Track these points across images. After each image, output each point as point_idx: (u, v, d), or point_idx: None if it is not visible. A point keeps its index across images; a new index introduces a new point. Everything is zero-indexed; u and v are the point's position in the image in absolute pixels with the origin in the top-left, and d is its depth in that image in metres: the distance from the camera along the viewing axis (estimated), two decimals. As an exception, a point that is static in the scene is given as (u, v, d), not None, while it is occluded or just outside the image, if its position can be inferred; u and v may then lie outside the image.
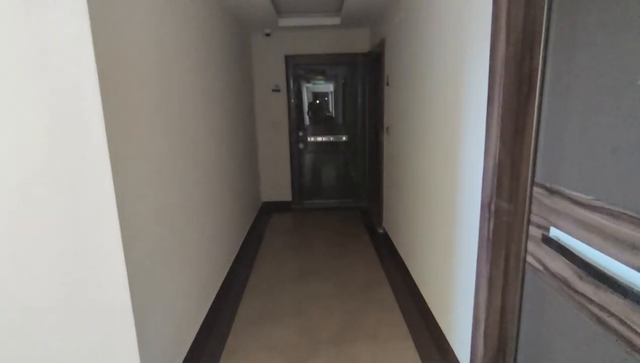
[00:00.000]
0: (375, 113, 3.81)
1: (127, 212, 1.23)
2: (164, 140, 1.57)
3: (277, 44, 3.98)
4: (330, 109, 4.65)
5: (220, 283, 2.38)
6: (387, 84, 3.06)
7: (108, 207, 1.16)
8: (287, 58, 4.01)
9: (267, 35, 3.91)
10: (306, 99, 4.50)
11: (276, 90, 4.08)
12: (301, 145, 4.30)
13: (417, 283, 2.27)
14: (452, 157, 1.65)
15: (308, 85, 4.63)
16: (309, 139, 4.31)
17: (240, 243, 3.09)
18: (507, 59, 1.14)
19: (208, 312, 2.09)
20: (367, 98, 4.06)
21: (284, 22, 3.53)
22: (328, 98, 4.71)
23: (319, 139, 4.31)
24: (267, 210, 4.26)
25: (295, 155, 4.24)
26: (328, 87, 4.67)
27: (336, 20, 3.53)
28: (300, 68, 4.20)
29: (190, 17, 2.03)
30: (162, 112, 1.57)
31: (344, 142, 4.33)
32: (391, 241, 3.10)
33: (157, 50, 1.54)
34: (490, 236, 1.27)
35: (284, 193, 4.33)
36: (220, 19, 2.74)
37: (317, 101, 4.55)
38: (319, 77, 4.61)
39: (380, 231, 3.50)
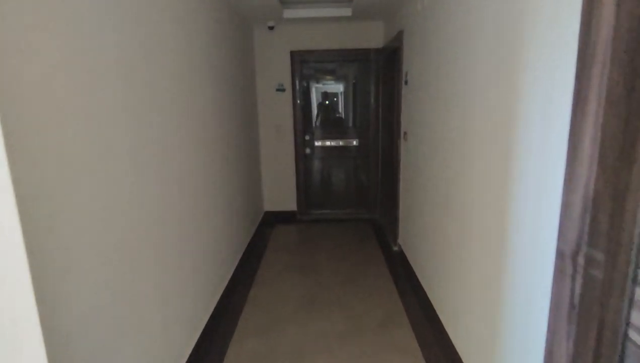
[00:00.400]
0: (391, 116, 3.41)
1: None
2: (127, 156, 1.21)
3: (282, 38, 3.61)
4: (340, 110, 4.27)
5: (207, 317, 2.01)
6: (406, 83, 2.66)
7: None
8: (293, 54, 3.63)
9: (271, 28, 3.54)
10: (314, 100, 4.13)
11: (280, 89, 3.70)
12: (308, 150, 3.92)
13: (446, 327, 1.86)
14: (502, 180, 1.24)
15: (317, 85, 4.26)
16: (316, 143, 3.92)
17: (236, 264, 2.72)
18: (615, 36, 0.74)
19: (191, 352, 1.72)
20: (381, 99, 3.66)
21: (289, 13, 3.16)
22: (337, 99, 4.33)
23: (328, 143, 3.93)
24: (270, 222, 3.89)
25: (302, 161, 3.86)
26: (338, 87, 4.29)
27: (347, 12, 3.14)
28: (307, 66, 3.82)
29: (178, 8, 1.66)
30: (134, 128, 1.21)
31: (355, 147, 3.94)
32: (408, 261, 2.69)
33: (118, 51, 1.17)
34: (576, 301, 0.87)
35: (289, 203, 3.96)
36: (216, 11, 2.38)
37: (327, 102, 4.17)
38: (328, 77, 4.23)
39: (396, 249, 3.09)
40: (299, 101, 3.73)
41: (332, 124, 4.02)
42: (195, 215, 1.90)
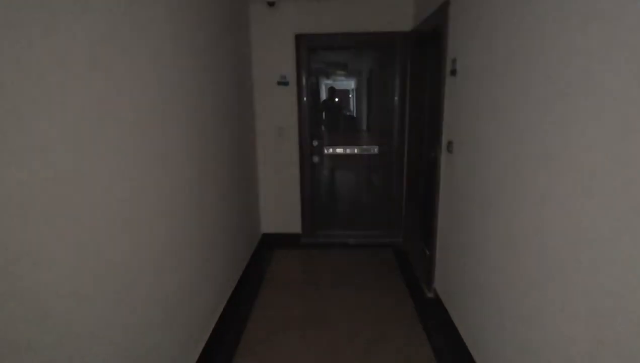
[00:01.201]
0: (423, 117, 2.66)
1: None
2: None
3: (285, 18, 2.87)
4: (352, 109, 3.53)
5: None
6: (453, 74, 1.91)
7: None
8: (299, 38, 2.90)
9: (271, 4, 2.81)
10: (324, 95, 3.39)
11: (283, 83, 2.97)
12: (316, 159, 3.19)
13: None
14: None
15: (327, 81, 3.52)
16: (326, 150, 3.19)
17: (219, 313, 2.01)
18: None
19: None
20: (410, 96, 2.90)
21: (294, -17, 2.43)
22: (350, 96, 3.59)
23: (340, 150, 3.19)
24: (268, 246, 3.17)
25: (308, 172, 3.13)
26: (349, 83, 3.54)
27: (370, -19, 2.40)
28: (316, 55, 3.08)
29: None
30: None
31: (375, 156, 3.19)
32: (450, 318, 1.95)
33: None
34: None
35: (292, 223, 3.23)
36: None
37: (336, 99, 3.42)
38: (339, 71, 3.49)
39: (430, 295, 2.35)
40: (305, 98, 3.00)
41: (344, 127, 3.28)
42: (159, 254, 1.18)
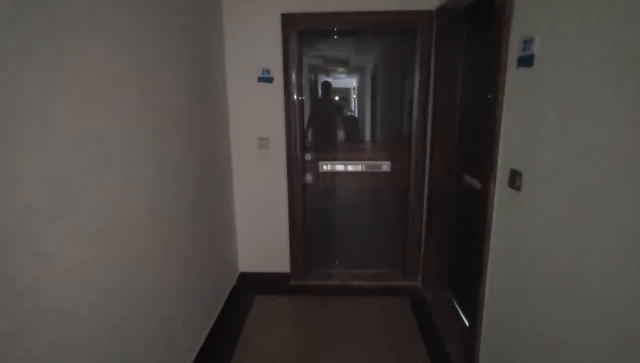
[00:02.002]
0: (459, 128, 1.94)
1: None
2: None
3: (267, -8, 2.15)
4: (355, 113, 2.79)
5: None
6: (524, 63, 1.18)
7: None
8: (286, 19, 2.16)
9: (247, -28, 2.08)
10: (318, 94, 2.66)
11: (265, 78, 2.24)
12: (309, 178, 2.47)
13: None
14: None
15: (325, 79, 2.79)
16: (322, 167, 2.46)
17: None
18: None
19: None
20: (435, 97, 2.17)
21: None
22: (354, 95, 2.86)
23: (340, 167, 2.46)
24: (247, 291, 2.44)
25: (298, 195, 2.40)
26: (350, 81, 2.80)
27: None
28: (311, 45, 2.35)
29: None
30: None
31: (385, 175, 2.46)
32: None
33: None
34: None
35: (278, 260, 2.51)
36: None
37: (336, 98, 2.68)
38: (340, 68, 2.74)
39: (472, 388, 1.61)
40: (295, 98, 2.26)
41: (345, 137, 2.54)
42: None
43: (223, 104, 2.21)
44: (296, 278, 2.50)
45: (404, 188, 2.44)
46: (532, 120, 1.15)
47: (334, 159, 2.44)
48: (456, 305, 2.17)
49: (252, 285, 2.48)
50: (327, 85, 2.61)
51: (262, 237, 2.48)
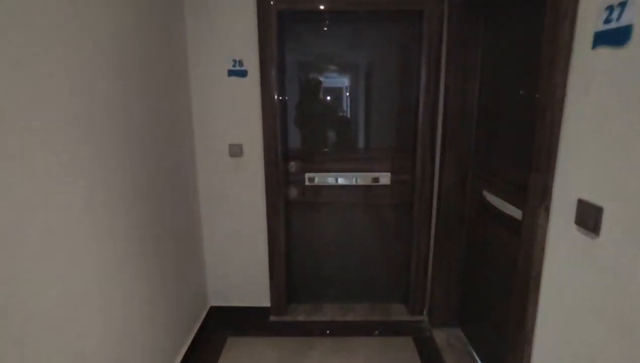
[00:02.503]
0: (478, 137, 1.54)
1: None
2: None
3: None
4: (347, 114, 2.35)
5: None
6: (612, 40, 0.77)
7: None
8: (262, 1, 1.74)
9: None
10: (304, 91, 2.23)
11: (237, 72, 1.81)
12: (293, 192, 2.04)
13: None
14: None
15: (312, 75, 2.35)
16: (308, 179, 2.03)
17: None
18: None
19: None
20: (448, 97, 1.76)
21: None
22: (346, 94, 2.43)
23: (330, 179, 2.04)
24: (218, 329, 2.01)
25: (280, 213, 1.97)
26: (341, 80, 2.36)
27: None
28: (297, 36, 1.92)
29: None
30: None
31: (385, 188, 2.05)
32: None
33: None
34: None
35: (256, 292, 2.08)
36: None
37: (327, 98, 2.24)
38: (332, 67, 2.30)
39: None
40: (276, 96, 1.84)
41: (338, 142, 2.11)
42: None
43: (184, 104, 1.77)
44: (277, 314, 2.08)
45: (408, 204, 2.03)
46: (626, 128, 0.74)
47: (323, 170, 2.03)
48: (473, 351, 1.77)
49: (224, 322, 2.05)
50: (315, 83, 2.17)
51: (236, 265, 2.04)
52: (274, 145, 1.88)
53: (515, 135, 1.36)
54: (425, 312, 2.07)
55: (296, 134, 2.04)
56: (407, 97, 1.96)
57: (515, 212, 1.28)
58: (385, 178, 2.03)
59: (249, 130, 1.87)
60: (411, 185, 1.99)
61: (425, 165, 1.90)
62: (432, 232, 1.96)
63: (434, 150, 1.88)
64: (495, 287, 1.54)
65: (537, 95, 1.00)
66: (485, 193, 1.62)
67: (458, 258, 1.88)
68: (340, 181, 2.03)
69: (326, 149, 2.05)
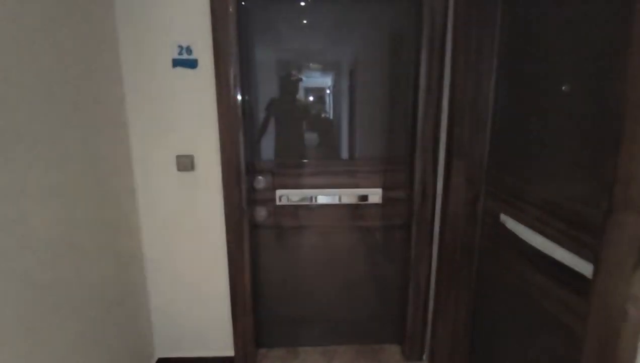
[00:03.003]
0: (494, 147, 1.17)
1: None
2: None
3: None
4: (329, 116, 1.93)
5: None
6: None
7: None
8: (216, -35, 1.33)
9: None
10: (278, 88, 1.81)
11: (184, 62, 1.39)
12: (261, 214, 1.64)
13: None
14: None
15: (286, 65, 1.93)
16: (279, 196, 1.63)
17: None
18: None
19: None
20: (455, 98, 1.39)
21: None
22: (328, 93, 2.02)
23: (308, 198, 1.64)
24: (166, 390, 1.59)
25: (244, 239, 1.56)
26: (324, 80, 1.93)
27: None
28: (267, 25, 1.51)
29: None
30: None
31: (375, 208, 1.66)
32: None
33: None
34: None
35: (216, 337, 1.66)
36: None
37: (310, 98, 1.81)
38: (313, 65, 1.85)
39: None
40: (238, 94, 1.43)
41: (317, 151, 1.72)
42: None
43: (115, 104, 1.34)
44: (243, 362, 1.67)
45: (403, 228, 1.66)
46: None
47: (299, 186, 1.63)
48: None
49: (175, 378, 1.63)
50: (292, 80, 1.74)
51: (189, 306, 1.62)
52: (235, 155, 1.47)
53: (559, 147, 1.00)
54: (425, 357, 1.70)
55: (266, 142, 1.64)
56: (404, 97, 1.59)
57: (562, 255, 0.91)
58: (375, 195, 1.65)
59: (203, 137, 1.46)
60: (407, 204, 1.62)
61: (425, 180, 1.53)
62: (434, 260, 1.59)
63: (436, 161, 1.51)
64: (521, 338, 1.18)
65: (610, 92, 0.64)
66: (503, 217, 1.26)
67: (467, 295, 1.52)
68: (321, 199, 1.64)
69: (304, 161, 1.65)
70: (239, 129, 1.43)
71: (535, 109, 1.12)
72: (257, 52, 1.53)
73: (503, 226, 1.25)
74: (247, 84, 1.51)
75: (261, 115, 1.61)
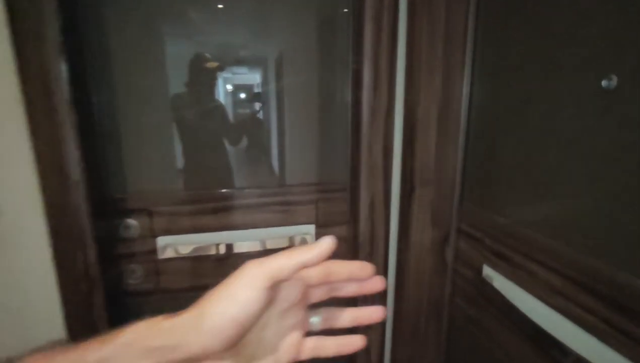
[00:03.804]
0: (469, 169, 0.77)
1: None
2: None
3: None
4: (242, 130, 1.39)
5: None
6: None
7: None
8: None
9: None
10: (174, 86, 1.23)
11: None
12: (136, 275, 1.05)
13: None
14: None
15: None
16: (164, 249, 1.06)
17: None
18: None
19: None
20: (414, 101, 0.99)
21: None
22: (257, 92, 1.48)
23: (213, 246, 1.10)
24: None
25: (99, 322, 0.96)
26: (252, 77, 1.39)
27: None
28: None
29: None
30: None
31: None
32: None
33: None
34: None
35: None
36: None
37: (243, 96, 1.23)
38: (235, 58, 1.30)
39: None
40: (66, 95, 0.84)
41: (224, 178, 1.19)
42: None
43: None
44: None
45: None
46: None
47: (197, 229, 1.08)
48: None
49: None
50: (202, 66, 1.14)
51: None
52: (73, 187, 0.87)
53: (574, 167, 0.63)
54: None
55: (136, 163, 1.07)
56: (341, 102, 1.15)
57: (588, 345, 0.54)
58: (307, 235, 1.18)
59: (9, 162, 0.84)
60: (351, 248, 1.18)
61: (374, 215, 1.10)
62: (389, 327, 1.17)
63: (388, 189, 1.09)
64: None
65: None
66: (488, 271, 0.88)
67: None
68: (236, 247, 1.12)
69: (203, 191, 1.11)
70: (71, 144, 0.85)
71: (536, 110, 0.75)
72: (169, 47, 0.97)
73: (488, 284, 0.87)
74: (98, 71, 0.94)
75: (127, 123, 1.04)
